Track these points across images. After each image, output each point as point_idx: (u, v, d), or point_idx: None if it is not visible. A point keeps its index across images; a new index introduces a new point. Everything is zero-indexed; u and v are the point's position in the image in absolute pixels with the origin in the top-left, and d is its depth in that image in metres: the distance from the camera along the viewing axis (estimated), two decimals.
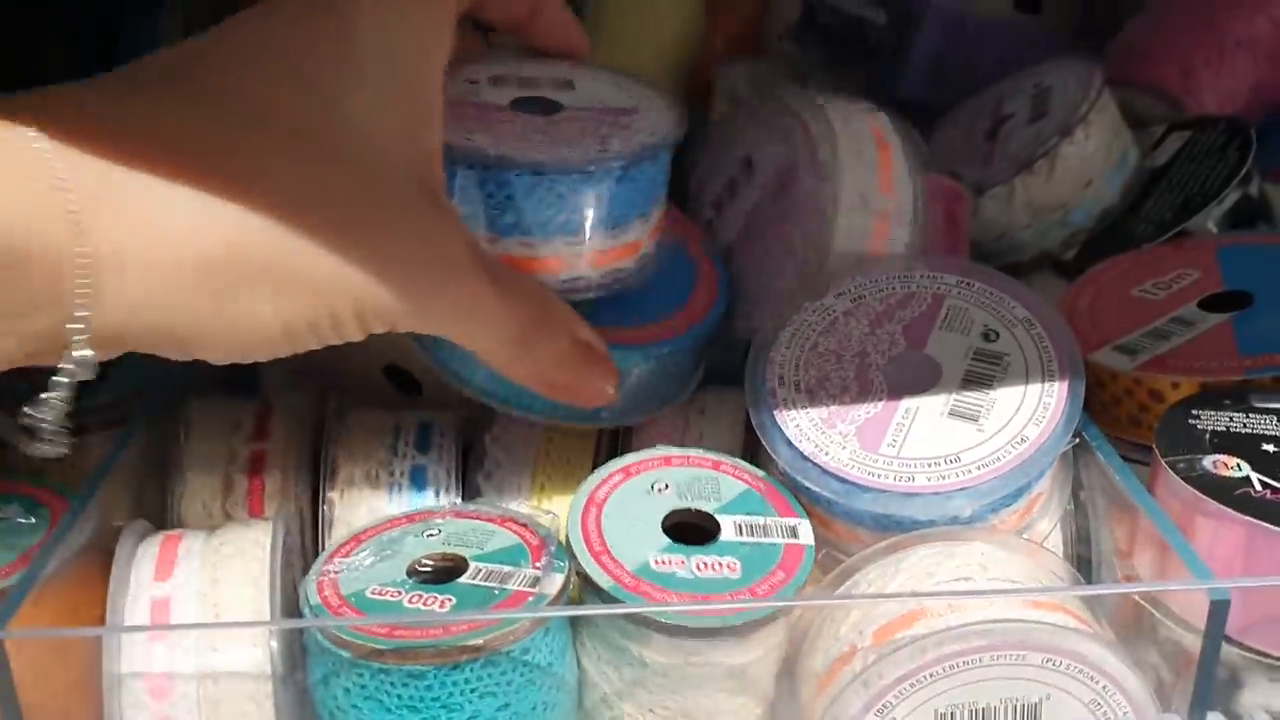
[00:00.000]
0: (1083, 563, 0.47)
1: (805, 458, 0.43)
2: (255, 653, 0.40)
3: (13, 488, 0.46)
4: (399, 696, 0.39)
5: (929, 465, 0.42)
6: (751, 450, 0.49)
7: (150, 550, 0.42)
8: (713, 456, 0.46)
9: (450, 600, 0.40)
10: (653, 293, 0.48)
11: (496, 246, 0.43)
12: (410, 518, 0.45)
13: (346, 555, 0.43)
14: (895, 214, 0.51)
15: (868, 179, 0.51)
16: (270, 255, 0.33)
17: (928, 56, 0.68)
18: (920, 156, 0.54)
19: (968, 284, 0.47)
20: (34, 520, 0.44)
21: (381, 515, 0.46)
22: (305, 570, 0.46)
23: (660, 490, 0.44)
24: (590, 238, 0.44)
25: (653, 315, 0.48)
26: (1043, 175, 0.62)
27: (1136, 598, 0.44)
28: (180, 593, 0.40)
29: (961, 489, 0.41)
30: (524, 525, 0.44)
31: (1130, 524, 0.45)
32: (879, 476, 0.42)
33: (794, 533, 0.43)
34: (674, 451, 0.46)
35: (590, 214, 0.44)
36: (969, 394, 0.44)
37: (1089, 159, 0.62)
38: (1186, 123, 0.66)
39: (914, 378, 0.45)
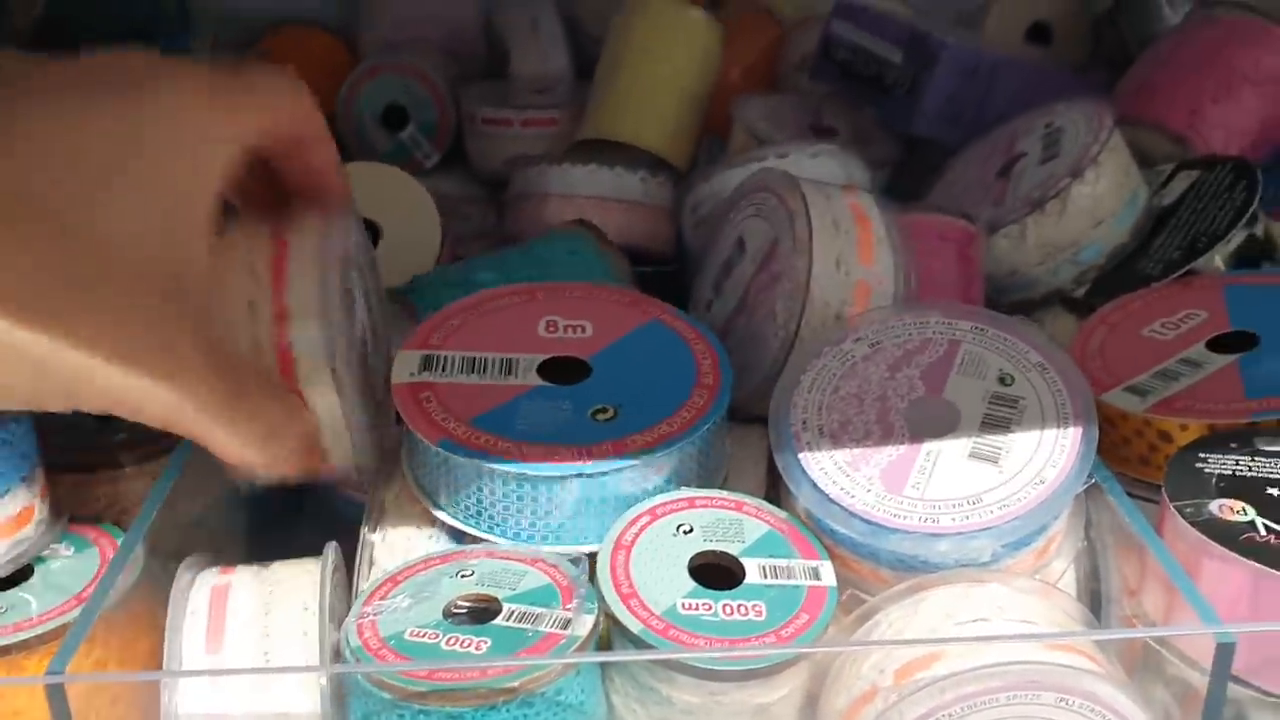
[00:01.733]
0: (1094, 598, 0.49)
1: (831, 500, 0.44)
2: (305, 697, 0.41)
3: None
4: None
5: (953, 506, 0.43)
6: (773, 488, 0.51)
7: (202, 591, 0.44)
8: (735, 497, 0.48)
9: (486, 642, 0.42)
10: (649, 388, 0.49)
11: None
12: (444, 558, 0.46)
13: (384, 597, 0.44)
14: (876, 283, 0.53)
15: (845, 249, 0.53)
16: None
17: (942, 95, 0.69)
18: (906, 232, 0.55)
19: (981, 330, 0.49)
20: (83, 558, 0.46)
21: (418, 555, 0.47)
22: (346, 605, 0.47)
23: (685, 532, 0.46)
24: None
25: (673, 404, 0.49)
26: (1054, 215, 0.63)
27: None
28: (234, 635, 0.42)
29: (985, 529, 0.43)
30: (554, 566, 0.45)
31: (1138, 563, 0.46)
32: (904, 518, 0.43)
33: (816, 574, 0.44)
34: (699, 493, 0.47)
35: None
36: (988, 437, 0.45)
37: (1100, 199, 0.63)
38: (1194, 162, 0.67)
39: (934, 421, 0.46)
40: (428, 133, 0.91)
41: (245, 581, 0.45)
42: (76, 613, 0.43)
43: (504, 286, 0.55)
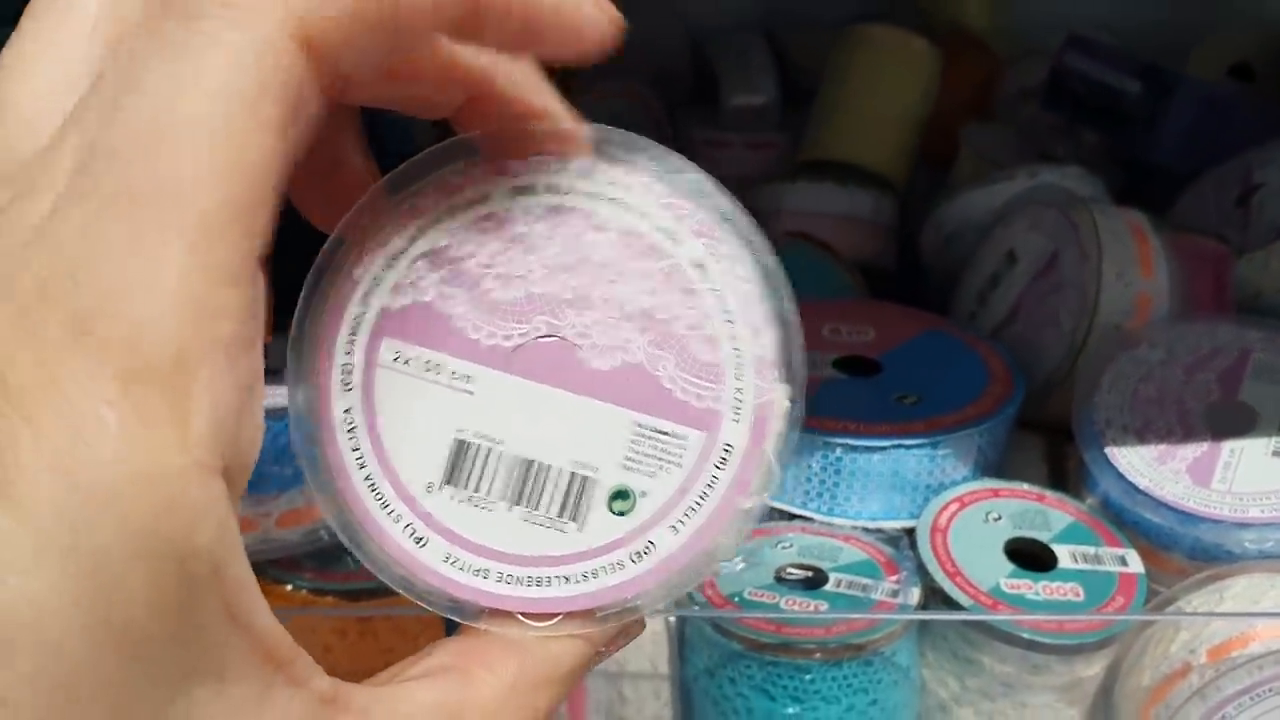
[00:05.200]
0: None
1: (1140, 490, 0.47)
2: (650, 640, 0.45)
3: None
4: (784, 688, 0.44)
5: (1261, 498, 0.46)
6: (1057, 484, 0.54)
7: None
8: (1036, 490, 0.51)
9: (823, 605, 0.45)
10: (943, 382, 0.53)
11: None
12: (762, 531, 0.50)
13: None
14: (1156, 295, 0.56)
15: (1127, 260, 0.56)
16: None
17: (1181, 126, 0.72)
18: (1174, 249, 0.58)
19: (1271, 339, 0.51)
20: None
21: None
22: None
23: (994, 520, 0.49)
24: None
25: (972, 394, 0.52)
26: None
27: None
28: None
29: None
30: (868, 544, 0.49)
31: None
32: (1215, 508, 0.46)
33: (1124, 561, 0.47)
34: (1001, 484, 0.51)
35: None
36: None
37: None
38: None
39: (1232, 422, 0.49)
40: None
41: None
42: None
43: None
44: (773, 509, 0.52)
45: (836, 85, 0.85)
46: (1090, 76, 0.76)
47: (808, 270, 0.64)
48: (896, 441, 0.49)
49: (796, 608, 0.45)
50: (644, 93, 0.96)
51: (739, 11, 1.08)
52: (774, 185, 0.80)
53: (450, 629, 0.43)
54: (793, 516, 0.51)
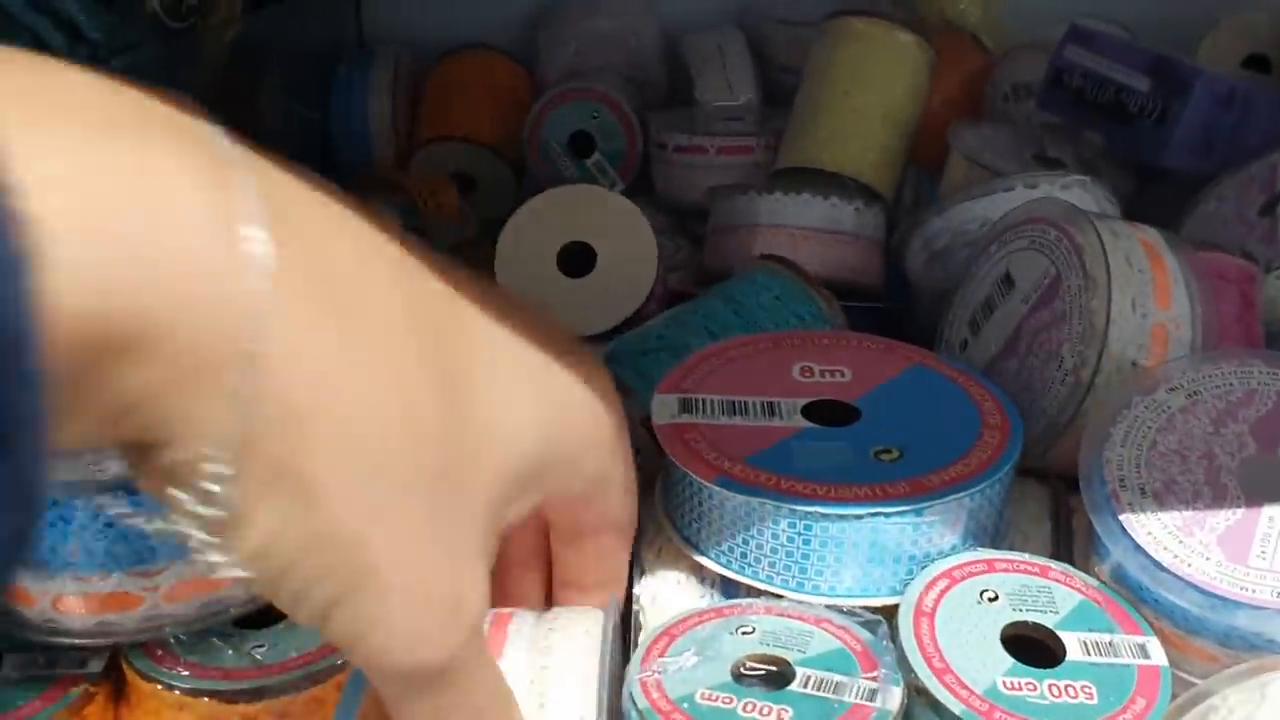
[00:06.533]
0: None
1: (1163, 568, 0.39)
2: None
3: None
4: None
5: None
6: (1062, 545, 0.46)
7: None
8: (1039, 561, 0.43)
9: (787, 711, 0.38)
10: (929, 432, 0.46)
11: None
12: (720, 611, 0.43)
13: (663, 654, 0.41)
14: (1174, 328, 0.49)
15: (1141, 290, 0.48)
16: None
17: (1195, 125, 0.64)
18: (1197, 272, 0.50)
19: None
20: None
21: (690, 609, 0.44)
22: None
23: (990, 600, 0.41)
24: None
25: (963, 446, 0.45)
26: None
27: None
28: (510, 674, 0.39)
29: None
30: (843, 628, 0.41)
31: None
32: (1254, 591, 0.38)
33: (1145, 652, 0.40)
34: (998, 555, 0.43)
35: None
36: None
37: None
38: None
39: (1272, 483, 0.41)
40: (614, 160, 0.88)
41: (524, 615, 0.41)
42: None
43: (748, 335, 0.53)
44: (735, 583, 0.44)
45: (816, 85, 0.78)
46: (1093, 71, 0.68)
47: (778, 298, 0.57)
48: (874, 508, 0.41)
49: (756, 715, 0.38)
50: (614, 96, 0.88)
51: (716, 6, 1.00)
52: (748, 196, 0.73)
53: None
54: (757, 593, 0.44)
